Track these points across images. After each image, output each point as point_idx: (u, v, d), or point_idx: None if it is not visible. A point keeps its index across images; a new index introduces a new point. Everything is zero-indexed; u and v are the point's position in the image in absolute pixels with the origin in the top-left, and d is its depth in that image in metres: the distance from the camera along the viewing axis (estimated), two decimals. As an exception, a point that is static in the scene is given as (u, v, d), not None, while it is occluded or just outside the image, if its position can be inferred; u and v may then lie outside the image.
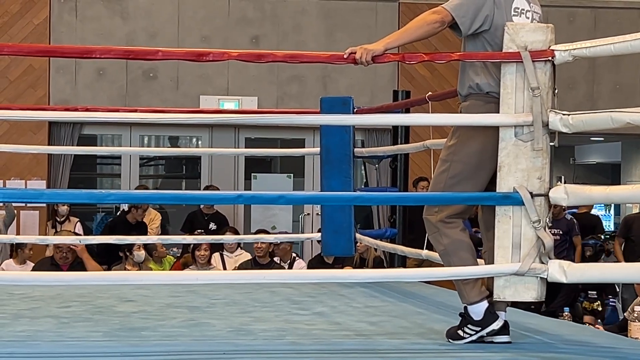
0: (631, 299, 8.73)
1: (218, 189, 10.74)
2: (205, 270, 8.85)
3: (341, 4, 11.81)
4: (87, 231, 11.36)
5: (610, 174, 17.92)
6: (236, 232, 10.15)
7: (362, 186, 11.43)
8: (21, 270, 8.61)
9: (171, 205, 11.56)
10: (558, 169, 17.57)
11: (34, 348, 3.94)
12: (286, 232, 11.04)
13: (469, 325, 3.96)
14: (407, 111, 6.80)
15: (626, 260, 10.10)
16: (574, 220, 10.51)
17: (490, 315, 3.94)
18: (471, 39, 4.00)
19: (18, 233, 10.63)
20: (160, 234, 10.85)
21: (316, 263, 9.53)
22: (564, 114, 3.84)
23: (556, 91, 3.93)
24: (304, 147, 11.24)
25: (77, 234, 9.94)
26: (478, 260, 4.07)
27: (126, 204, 10.63)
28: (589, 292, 9.21)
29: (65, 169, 11.48)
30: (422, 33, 3.93)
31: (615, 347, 4.04)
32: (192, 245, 9.36)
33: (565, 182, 11.37)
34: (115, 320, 4.68)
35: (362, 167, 11.97)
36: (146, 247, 9.56)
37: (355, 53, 3.94)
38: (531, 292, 3.87)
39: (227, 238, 8.96)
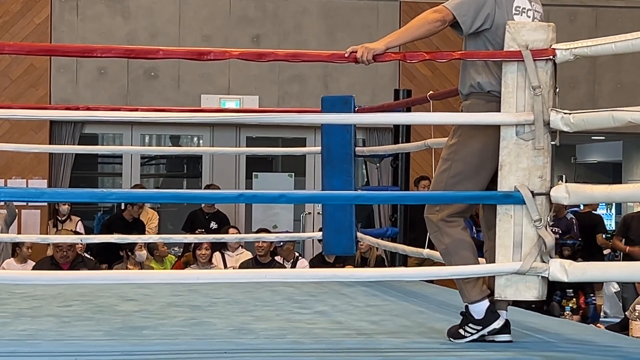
0: (632, 298, 8.73)
1: (219, 188, 10.74)
2: (206, 269, 8.85)
3: (342, 3, 11.81)
4: (89, 230, 11.36)
5: (612, 173, 17.91)
6: (238, 231, 10.16)
7: (364, 185, 11.43)
8: (21, 270, 8.62)
9: (172, 204, 11.56)
10: (559, 168, 17.55)
11: (35, 347, 3.94)
12: (287, 231, 11.04)
13: (470, 324, 3.96)
14: (408, 110, 6.80)
15: (625, 260, 10.10)
16: (574, 220, 10.51)
17: (492, 314, 3.94)
18: (472, 38, 4.00)
19: (19, 232, 10.63)
20: (159, 233, 10.85)
21: (317, 262, 9.53)
22: (565, 113, 3.84)
23: (557, 90, 3.93)
24: (305, 146, 11.23)
25: (78, 233, 9.95)
26: (479, 259, 4.07)
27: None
28: (567, 290, 9.20)
29: (67, 168, 11.48)
30: (423, 32, 3.93)
31: (617, 346, 4.04)
32: (193, 245, 9.37)
33: (566, 181, 11.38)
34: (116, 319, 4.68)
35: (363, 166, 11.97)
36: (147, 246, 9.57)
37: (356, 52, 3.94)
38: (532, 291, 3.87)
39: (228, 237, 8.97)
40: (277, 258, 9.41)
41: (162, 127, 12.03)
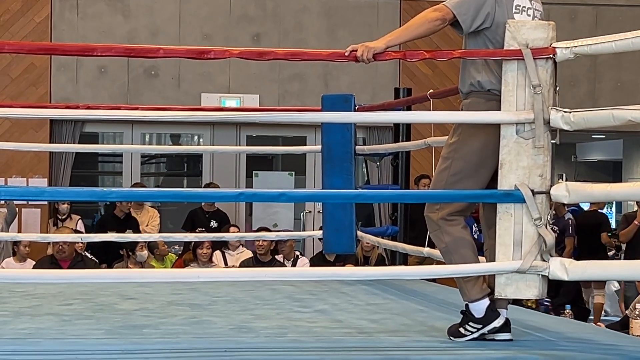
0: (633, 298, 8.74)
1: (218, 187, 10.74)
2: (206, 267, 8.86)
3: (342, 2, 11.81)
4: (89, 229, 11.36)
5: (612, 172, 17.92)
6: (239, 230, 10.17)
7: (364, 184, 11.43)
8: (20, 268, 8.62)
9: (172, 203, 11.56)
10: (559, 166, 17.55)
11: (35, 345, 3.94)
12: (287, 230, 11.05)
13: (470, 323, 3.96)
14: (409, 109, 6.80)
15: (626, 258, 10.10)
16: (571, 220, 10.51)
17: (492, 312, 3.94)
18: (472, 37, 4.00)
19: (20, 231, 10.63)
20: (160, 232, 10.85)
21: (317, 261, 9.53)
22: (565, 112, 3.84)
23: (557, 89, 3.93)
24: (305, 144, 11.22)
25: (78, 232, 9.95)
26: (479, 257, 4.07)
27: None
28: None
29: (67, 167, 11.48)
30: (424, 31, 3.93)
31: (617, 344, 4.04)
32: (193, 243, 9.37)
33: (566, 180, 11.36)
34: (116, 318, 4.68)
35: (364, 165, 11.97)
36: (148, 245, 9.57)
37: (356, 51, 3.93)
38: (532, 290, 3.87)
39: (229, 236, 8.97)
40: (278, 257, 9.42)
41: (163, 126, 12.03)
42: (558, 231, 9.99)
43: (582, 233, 10.72)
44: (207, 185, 11.25)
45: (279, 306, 5.22)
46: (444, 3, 3.95)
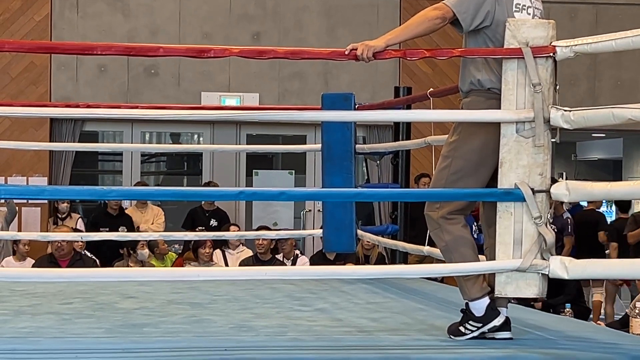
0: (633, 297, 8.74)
1: (218, 185, 10.74)
2: (206, 266, 8.86)
3: (342, 1, 11.81)
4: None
5: (612, 171, 17.91)
6: (239, 229, 10.16)
7: (364, 183, 11.43)
8: (20, 267, 8.62)
9: (172, 201, 11.56)
10: (559, 165, 17.55)
11: (35, 344, 3.94)
12: (287, 229, 11.05)
13: (470, 322, 3.96)
14: (409, 107, 6.80)
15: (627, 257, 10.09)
16: (569, 219, 10.50)
17: (492, 311, 3.94)
18: (472, 35, 4.00)
19: (20, 230, 10.63)
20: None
21: (318, 259, 9.53)
22: (565, 110, 3.84)
23: (557, 87, 3.93)
24: (305, 143, 11.22)
25: (78, 230, 9.95)
26: (479, 256, 4.07)
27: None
28: None
29: (67, 166, 11.48)
30: (424, 29, 3.93)
31: (617, 343, 4.03)
32: (192, 242, 9.37)
33: (566, 179, 11.37)
34: (116, 317, 4.68)
35: (364, 164, 11.97)
36: (148, 244, 9.57)
37: (356, 49, 3.93)
38: (532, 289, 3.87)
39: (229, 234, 8.97)
40: (278, 256, 9.42)
41: (163, 125, 12.03)
42: (557, 230, 9.98)
43: (580, 232, 10.72)
44: (207, 184, 11.25)
45: (279, 305, 5.22)
46: (443, 1, 3.95)
